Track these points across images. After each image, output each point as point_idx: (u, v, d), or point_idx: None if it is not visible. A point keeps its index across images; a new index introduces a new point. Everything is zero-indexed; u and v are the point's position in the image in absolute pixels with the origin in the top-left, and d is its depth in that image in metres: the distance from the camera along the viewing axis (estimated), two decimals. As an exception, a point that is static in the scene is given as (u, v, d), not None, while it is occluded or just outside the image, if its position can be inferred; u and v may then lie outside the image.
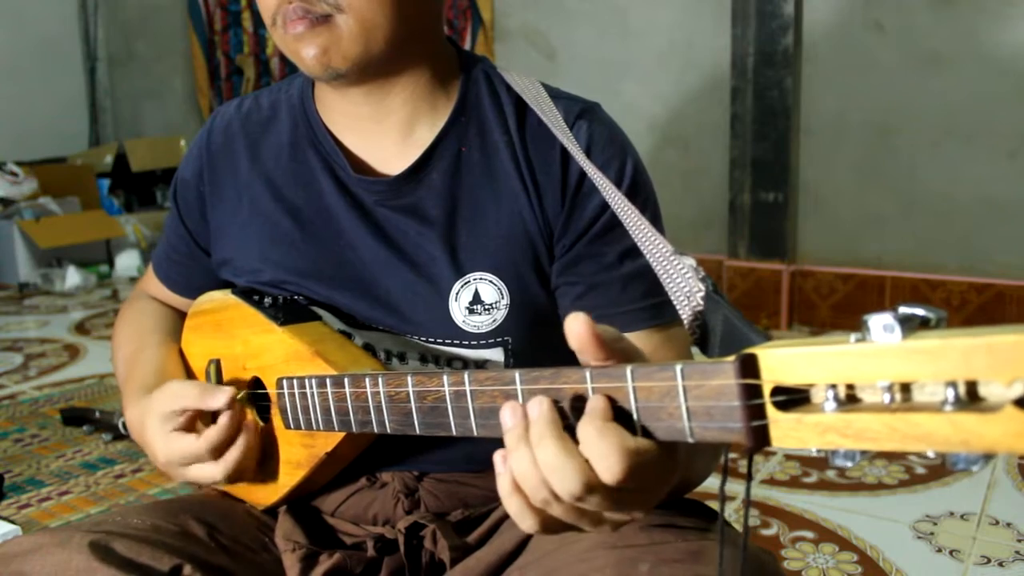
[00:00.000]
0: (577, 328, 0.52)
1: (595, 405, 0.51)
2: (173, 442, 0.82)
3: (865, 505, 1.75)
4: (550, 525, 0.55)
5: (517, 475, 0.53)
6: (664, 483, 0.54)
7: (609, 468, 0.49)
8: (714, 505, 0.87)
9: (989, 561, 1.53)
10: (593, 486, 0.51)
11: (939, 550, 1.57)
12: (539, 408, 0.53)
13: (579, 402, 0.52)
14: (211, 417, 0.83)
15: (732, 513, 1.60)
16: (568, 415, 0.53)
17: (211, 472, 0.82)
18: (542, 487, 0.52)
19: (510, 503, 0.55)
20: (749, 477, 0.49)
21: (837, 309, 2.95)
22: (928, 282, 2.79)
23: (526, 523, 0.55)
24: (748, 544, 0.74)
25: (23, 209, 4.10)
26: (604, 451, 0.49)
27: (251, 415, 0.85)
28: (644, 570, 0.69)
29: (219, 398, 0.80)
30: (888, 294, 2.86)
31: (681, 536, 0.74)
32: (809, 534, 1.64)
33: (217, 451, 0.81)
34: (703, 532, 0.76)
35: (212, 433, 0.80)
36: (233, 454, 0.81)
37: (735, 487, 1.80)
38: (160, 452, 0.83)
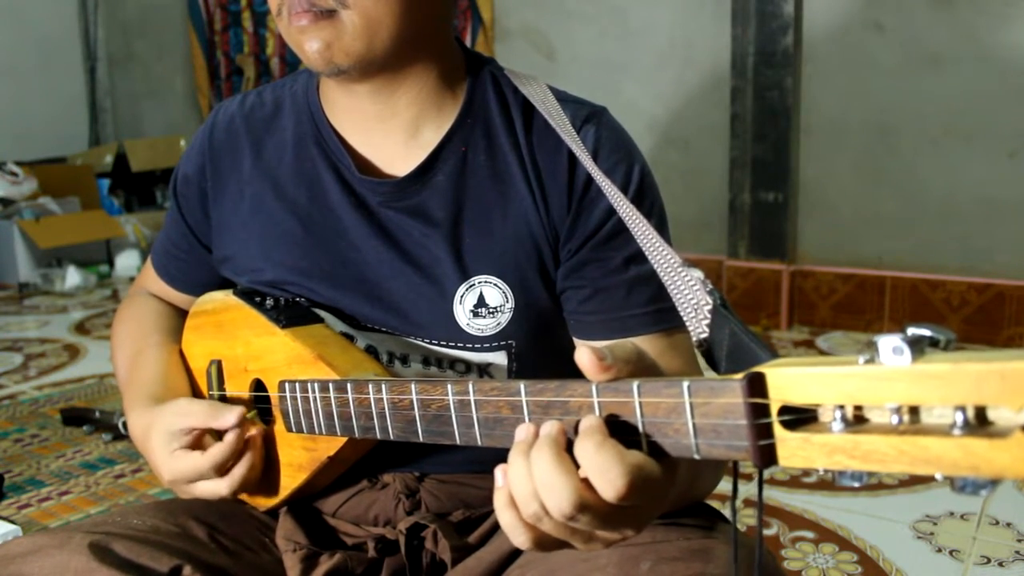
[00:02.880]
0: (582, 361, 0.52)
1: (590, 423, 0.51)
2: (179, 461, 0.81)
3: (865, 505, 1.75)
4: (542, 541, 0.55)
5: (512, 486, 0.54)
6: (660, 502, 0.54)
7: (612, 482, 0.49)
8: (717, 504, 0.87)
9: (989, 561, 1.53)
10: (586, 506, 0.51)
11: (939, 550, 1.57)
12: (548, 428, 0.53)
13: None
14: (218, 434, 0.82)
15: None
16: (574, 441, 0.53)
17: (216, 488, 0.82)
18: (533, 500, 0.52)
19: (504, 516, 0.55)
20: (760, 484, 0.49)
21: (837, 309, 2.95)
22: (928, 282, 2.79)
23: (519, 538, 0.56)
24: (752, 545, 0.74)
25: (23, 209, 4.09)
26: (604, 465, 0.49)
27: (256, 429, 0.84)
28: (645, 568, 0.69)
29: (228, 418, 0.80)
30: (888, 294, 2.86)
31: (683, 534, 0.74)
32: (809, 534, 1.65)
33: (222, 468, 0.81)
34: (705, 530, 0.76)
35: (217, 451, 0.80)
36: (239, 471, 0.81)
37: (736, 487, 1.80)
38: (165, 470, 0.83)
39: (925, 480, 1.83)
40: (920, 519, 1.69)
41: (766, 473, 1.82)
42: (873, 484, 1.83)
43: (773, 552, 1.56)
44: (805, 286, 2.99)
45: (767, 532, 1.66)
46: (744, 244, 3.05)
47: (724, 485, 0.87)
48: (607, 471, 0.49)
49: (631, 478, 0.49)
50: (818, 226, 2.98)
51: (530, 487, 0.52)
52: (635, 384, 0.49)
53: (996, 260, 2.69)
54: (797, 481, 1.86)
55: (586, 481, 0.51)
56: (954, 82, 2.67)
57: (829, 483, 1.85)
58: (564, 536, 0.55)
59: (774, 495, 1.80)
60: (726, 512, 0.86)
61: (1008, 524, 1.66)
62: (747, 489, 1.75)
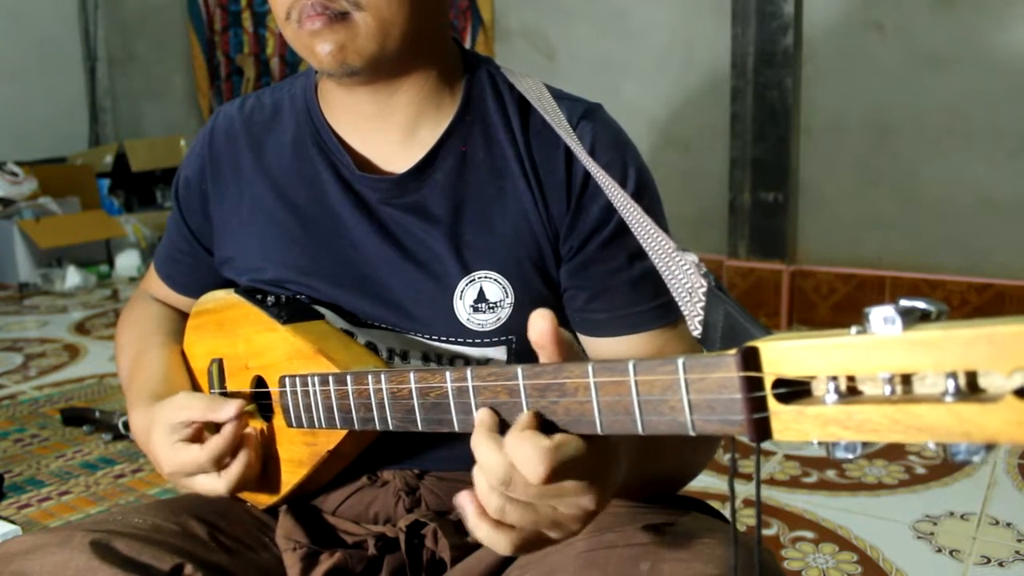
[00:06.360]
0: (542, 325, 0.57)
1: (519, 420, 0.57)
2: (177, 453, 0.81)
3: (865, 505, 1.75)
4: (521, 543, 0.59)
5: (477, 491, 0.58)
6: (602, 476, 0.58)
7: (533, 469, 0.54)
8: (717, 504, 0.87)
9: (989, 561, 1.53)
10: (516, 481, 0.56)
11: (939, 550, 1.57)
12: (480, 415, 0.60)
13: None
14: (217, 428, 0.82)
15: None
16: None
17: (214, 485, 0.81)
18: (491, 494, 0.57)
19: (479, 531, 0.59)
20: (758, 473, 0.49)
21: (837, 309, 2.95)
22: (928, 282, 2.79)
23: (500, 545, 0.59)
24: (751, 545, 0.74)
25: (23, 209, 4.10)
26: (523, 454, 0.54)
27: (253, 425, 0.84)
28: (645, 568, 0.69)
29: (226, 410, 0.80)
30: (888, 294, 2.86)
31: (682, 534, 0.74)
32: (809, 534, 1.65)
33: (219, 461, 0.80)
34: (705, 530, 0.76)
35: (214, 444, 0.80)
36: (235, 468, 0.81)
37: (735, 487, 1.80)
38: (165, 463, 0.83)
39: (925, 480, 1.83)
40: (920, 519, 1.68)
41: (766, 474, 1.82)
42: (873, 484, 1.83)
43: (773, 552, 1.56)
44: (805, 286, 2.99)
45: (767, 532, 1.66)
46: (744, 244, 3.05)
47: (722, 483, 0.87)
48: (528, 459, 0.54)
49: (549, 462, 0.53)
50: (818, 226, 2.98)
51: (484, 480, 0.57)
52: (631, 363, 0.49)
53: (996, 260, 2.69)
54: (797, 481, 1.85)
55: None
56: (954, 82, 2.67)
57: (829, 483, 1.84)
58: (531, 523, 0.58)
59: (774, 495, 1.80)
60: (726, 512, 0.86)
61: (1008, 524, 1.66)
62: (746, 490, 1.75)
